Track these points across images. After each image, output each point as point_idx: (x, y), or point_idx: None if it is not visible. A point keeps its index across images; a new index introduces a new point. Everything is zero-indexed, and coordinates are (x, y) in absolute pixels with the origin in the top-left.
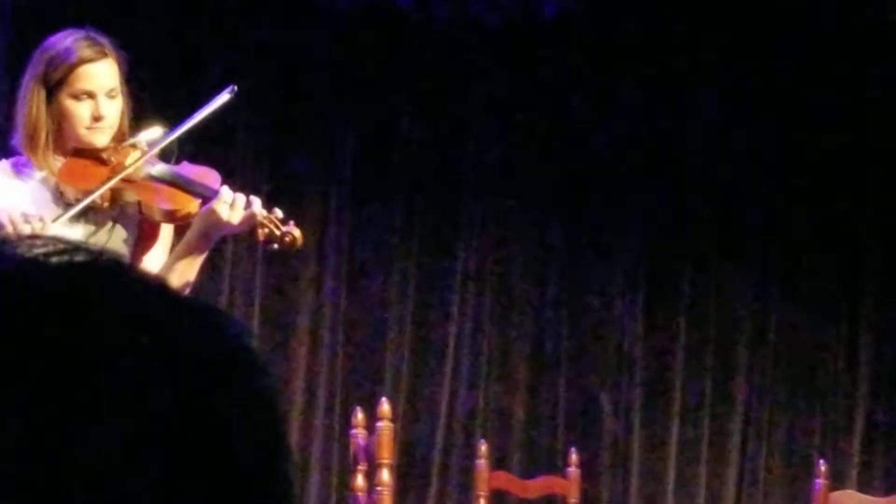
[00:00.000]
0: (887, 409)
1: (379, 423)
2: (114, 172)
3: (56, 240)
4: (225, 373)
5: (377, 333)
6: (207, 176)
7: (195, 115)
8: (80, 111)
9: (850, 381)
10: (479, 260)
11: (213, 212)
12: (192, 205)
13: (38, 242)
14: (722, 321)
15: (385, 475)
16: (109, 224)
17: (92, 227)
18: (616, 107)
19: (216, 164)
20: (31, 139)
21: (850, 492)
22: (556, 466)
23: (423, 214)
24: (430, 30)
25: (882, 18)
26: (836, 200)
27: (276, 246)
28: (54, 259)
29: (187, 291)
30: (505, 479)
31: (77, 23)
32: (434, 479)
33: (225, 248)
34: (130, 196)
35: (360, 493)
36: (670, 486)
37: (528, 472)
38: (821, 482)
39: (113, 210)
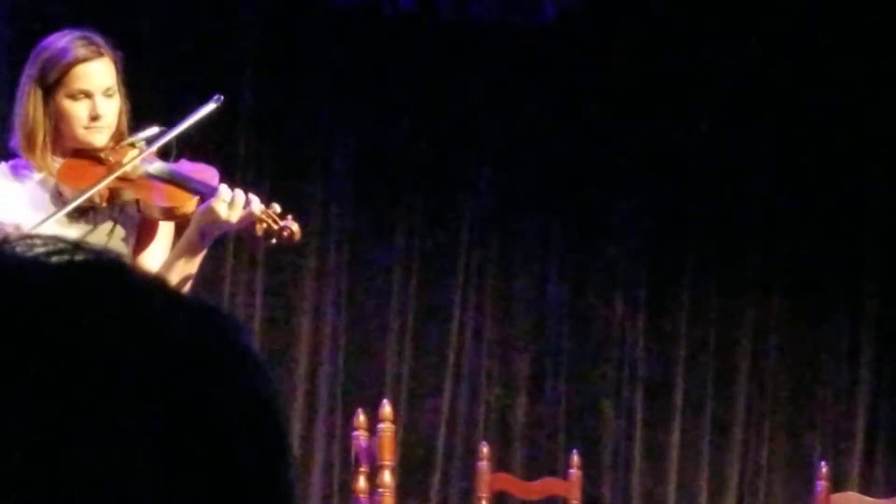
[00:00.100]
0: (889, 411)
1: (380, 425)
2: (111, 172)
3: (56, 239)
4: (226, 373)
5: (379, 335)
6: (205, 173)
7: (180, 124)
8: (78, 111)
9: (851, 382)
10: (480, 261)
11: (211, 210)
12: (190, 202)
13: (38, 242)
14: (723, 323)
15: (386, 477)
16: (109, 223)
17: (91, 227)
18: (616, 107)
19: (216, 164)
20: (29, 140)
21: (851, 494)
22: (557, 468)
23: (424, 216)
24: (431, 30)
25: (883, 18)
26: (838, 201)
27: (274, 241)
28: (54, 258)
29: (188, 287)
30: (506, 481)
31: (76, 24)
32: (435, 481)
33: (226, 250)
34: (128, 194)
35: (361, 495)
36: (671, 488)
37: (530, 474)
38: (822, 484)
39: (112, 210)
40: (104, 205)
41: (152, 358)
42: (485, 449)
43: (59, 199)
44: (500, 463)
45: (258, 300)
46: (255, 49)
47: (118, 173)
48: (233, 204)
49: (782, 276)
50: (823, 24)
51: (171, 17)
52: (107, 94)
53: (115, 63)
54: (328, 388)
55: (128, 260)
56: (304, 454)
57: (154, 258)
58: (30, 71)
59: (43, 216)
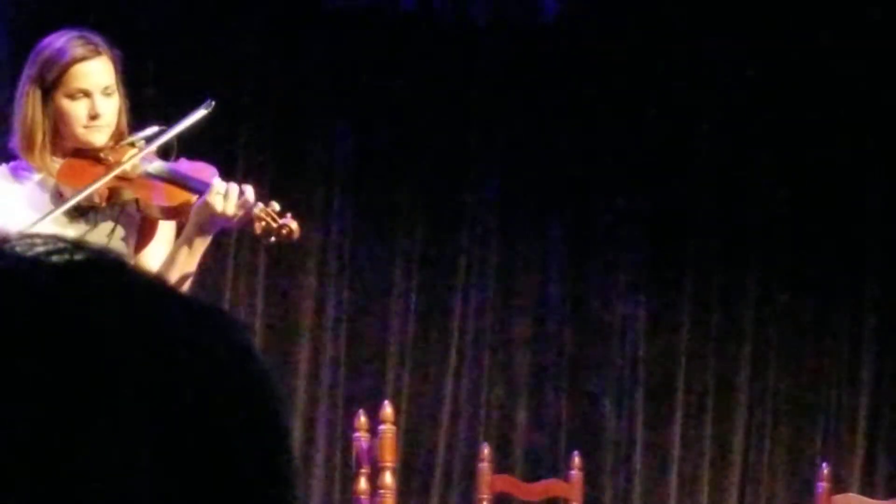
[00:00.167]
0: (890, 413)
1: (381, 427)
2: (111, 171)
3: (56, 238)
4: (226, 373)
5: (380, 336)
6: (204, 171)
7: (172, 128)
8: (77, 110)
9: (852, 383)
10: (481, 262)
11: (206, 204)
12: (189, 200)
13: (39, 241)
14: (724, 324)
15: (387, 478)
16: (110, 223)
17: (92, 227)
18: (617, 108)
19: (216, 165)
20: (28, 140)
21: (852, 495)
22: (558, 470)
23: (425, 217)
24: (431, 30)
25: (883, 17)
26: (839, 201)
27: (273, 239)
28: (54, 258)
29: (189, 283)
30: (507, 483)
31: (75, 25)
32: (436, 483)
33: (227, 251)
34: (128, 194)
35: (362, 497)
36: (673, 490)
37: (531, 476)
38: (823, 485)
39: (113, 210)
40: (104, 204)
41: (153, 358)
42: (486, 450)
43: (59, 199)
44: (501, 464)
45: (259, 301)
46: (254, 49)
47: (116, 172)
48: (227, 196)
49: (783, 278)
50: (824, 23)
51: (171, 17)
52: (105, 92)
53: (114, 62)
54: (329, 389)
55: (128, 259)
56: (304, 455)
57: (155, 257)
58: (28, 71)
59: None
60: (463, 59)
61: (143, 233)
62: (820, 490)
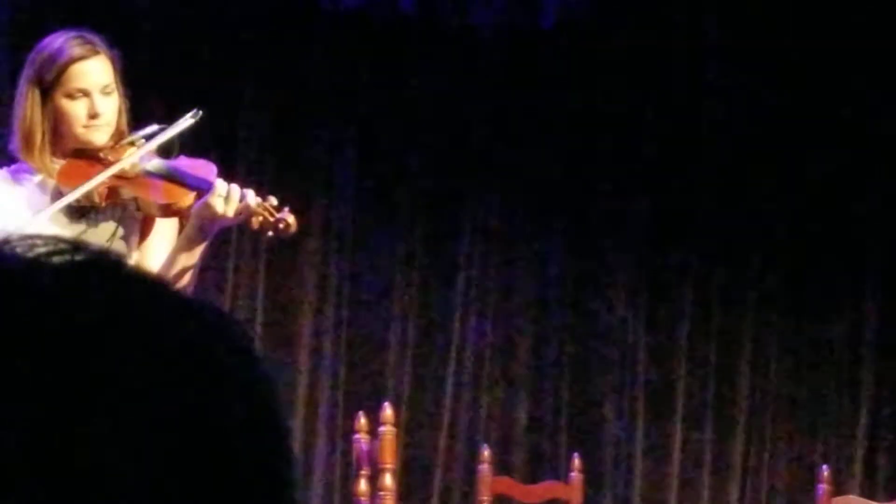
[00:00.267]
0: (890, 415)
1: (381, 428)
2: (109, 170)
3: (56, 239)
4: (227, 374)
5: (380, 338)
6: (203, 168)
7: (160, 135)
8: (76, 110)
9: (852, 386)
10: (481, 264)
11: (208, 206)
12: (188, 198)
13: (39, 242)
14: (724, 325)
15: (388, 480)
16: (111, 223)
17: (93, 227)
18: (618, 112)
19: (216, 165)
20: (27, 141)
21: (852, 497)
22: (558, 472)
23: (426, 219)
24: (431, 34)
25: (885, 25)
26: (840, 202)
27: (270, 233)
28: (55, 258)
29: (190, 278)
30: (507, 485)
31: (75, 25)
32: (436, 484)
33: (227, 253)
34: (127, 192)
35: (362, 498)
36: (673, 492)
37: (531, 478)
38: (823, 488)
39: (114, 210)
40: (104, 204)
41: (152, 358)
42: (486, 452)
43: (59, 200)
44: (502, 466)
45: (259, 302)
46: (255, 52)
47: (115, 170)
48: (229, 198)
49: (784, 280)
50: (824, 23)
51: (171, 18)
52: (104, 91)
53: (112, 61)
54: (329, 391)
55: (128, 260)
56: (304, 457)
57: (157, 255)
58: (27, 73)
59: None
60: (463, 62)
61: (145, 232)
62: (820, 492)
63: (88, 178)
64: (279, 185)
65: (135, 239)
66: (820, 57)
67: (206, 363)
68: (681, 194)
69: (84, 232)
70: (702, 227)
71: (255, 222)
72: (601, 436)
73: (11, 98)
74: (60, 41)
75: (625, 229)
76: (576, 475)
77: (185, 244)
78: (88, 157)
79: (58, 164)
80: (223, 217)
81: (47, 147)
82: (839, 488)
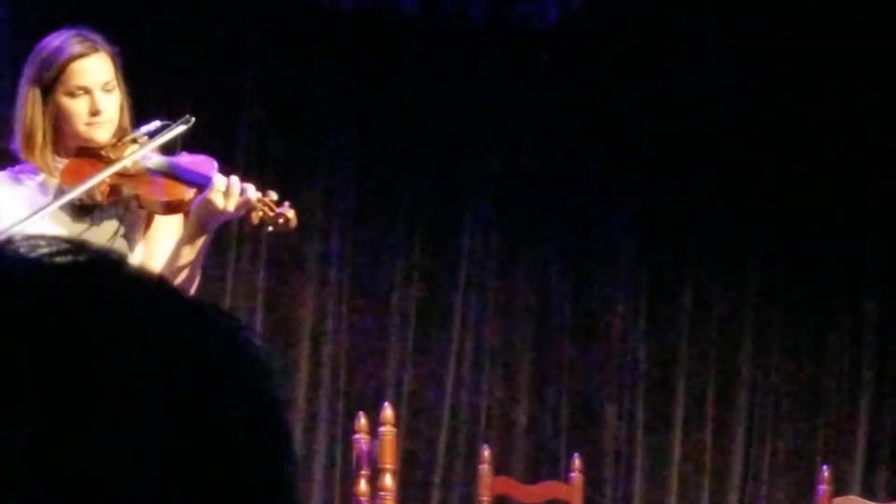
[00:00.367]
0: (891, 415)
1: (382, 429)
2: (111, 167)
3: (59, 239)
4: (229, 374)
5: (380, 339)
6: (203, 164)
7: (161, 135)
8: (78, 107)
9: (853, 386)
10: (481, 265)
11: (208, 201)
12: (189, 194)
13: (42, 242)
14: (724, 326)
15: (388, 480)
16: (114, 221)
17: (95, 225)
18: (619, 112)
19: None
20: (28, 141)
21: (853, 497)
22: (558, 472)
23: (426, 219)
24: (433, 33)
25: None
26: (840, 203)
27: (270, 228)
28: (57, 259)
29: (195, 278)
30: (508, 485)
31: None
32: (436, 485)
33: (228, 252)
34: (128, 190)
35: (362, 499)
36: (673, 492)
37: (531, 478)
38: (824, 488)
39: (117, 208)
40: (106, 201)
41: (154, 358)
42: (486, 452)
43: (63, 197)
44: (502, 466)
45: (259, 303)
46: (255, 52)
47: (116, 168)
48: (228, 193)
49: (784, 281)
50: (825, 28)
51: (173, 20)
52: (105, 88)
53: (113, 58)
54: (329, 391)
55: (131, 260)
56: (305, 457)
57: (161, 252)
58: (28, 72)
59: (45, 217)
60: (463, 62)
61: (147, 228)
62: (821, 492)
63: (91, 176)
64: (279, 185)
65: (138, 236)
66: (820, 57)
67: (208, 363)
68: (681, 194)
69: (87, 230)
70: (702, 227)
71: (256, 217)
72: (601, 436)
73: (14, 98)
74: (60, 40)
75: (625, 230)
76: (576, 475)
77: (186, 239)
78: (91, 155)
79: (60, 163)
80: (223, 212)
81: (49, 146)
82: (840, 489)
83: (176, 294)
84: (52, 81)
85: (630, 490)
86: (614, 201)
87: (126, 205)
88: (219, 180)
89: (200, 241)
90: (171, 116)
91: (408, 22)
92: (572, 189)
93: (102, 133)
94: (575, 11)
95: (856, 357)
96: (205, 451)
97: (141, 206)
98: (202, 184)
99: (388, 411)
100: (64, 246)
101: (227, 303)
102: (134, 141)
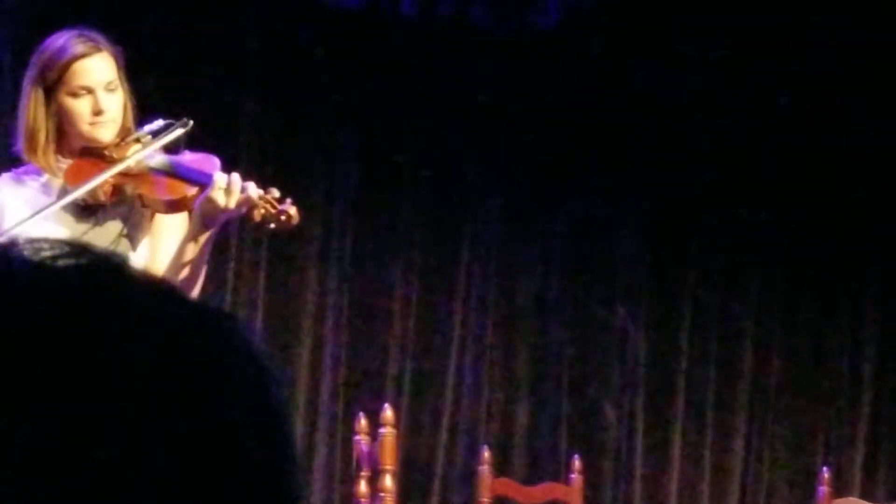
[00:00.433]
0: (891, 417)
1: (382, 430)
2: (114, 167)
3: (62, 242)
4: (231, 376)
5: (380, 340)
6: (205, 163)
7: (164, 135)
8: (81, 107)
9: (853, 388)
10: (481, 266)
11: (209, 200)
12: (192, 193)
13: (45, 245)
14: (725, 328)
15: (388, 481)
16: (118, 221)
17: (99, 225)
18: (620, 113)
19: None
20: (31, 141)
21: (853, 499)
22: (559, 473)
23: (426, 220)
24: (432, 35)
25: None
26: (841, 205)
27: (272, 225)
28: (60, 261)
29: (201, 276)
30: (507, 486)
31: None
32: (437, 486)
33: (227, 254)
34: (131, 189)
35: (362, 500)
36: (673, 493)
37: (531, 479)
38: (824, 489)
39: (121, 208)
40: (109, 201)
41: (155, 360)
42: (486, 453)
43: (65, 197)
44: (502, 467)
45: (260, 305)
46: (254, 53)
47: (120, 168)
48: (230, 191)
49: (784, 282)
50: (825, 31)
51: (172, 19)
52: (108, 88)
53: (115, 58)
54: (330, 392)
55: (135, 259)
56: (305, 458)
57: (166, 251)
58: (30, 74)
59: (49, 218)
60: (464, 63)
61: (150, 228)
62: (821, 494)
63: (95, 176)
64: (279, 185)
65: (142, 236)
66: (820, 58)
67: (209, 365)
68: (681, 195)
69: (90, 230)
70: (702, 228)
71: (258, 215)
72: (601, 437)
73: (15, 102)
74: (62, 40)
75: (625, 230)
76: (576, 477)
77: (190, 237)
78: (94, 155)
79: (64, 163)
80: (225, 210)
81: (52, 147)
82: (839, 490)
83: (177, 296)
84: (54, 82)
85: (630, 491)
86: (615, 202)
87: (130, 204)
88: (220, 178)
89: (204, 239)
90: (172, 116)
91: (408, 23)
92: (573, 190)
93: (106, 133)
94: (576, 13)
95: (856, 358)
96: (205, 453)
97: (144, 206)
98: (204, 182)
99: (388, 412)
100: (66, 249)
101: (227, 303)
102: (137, 140)
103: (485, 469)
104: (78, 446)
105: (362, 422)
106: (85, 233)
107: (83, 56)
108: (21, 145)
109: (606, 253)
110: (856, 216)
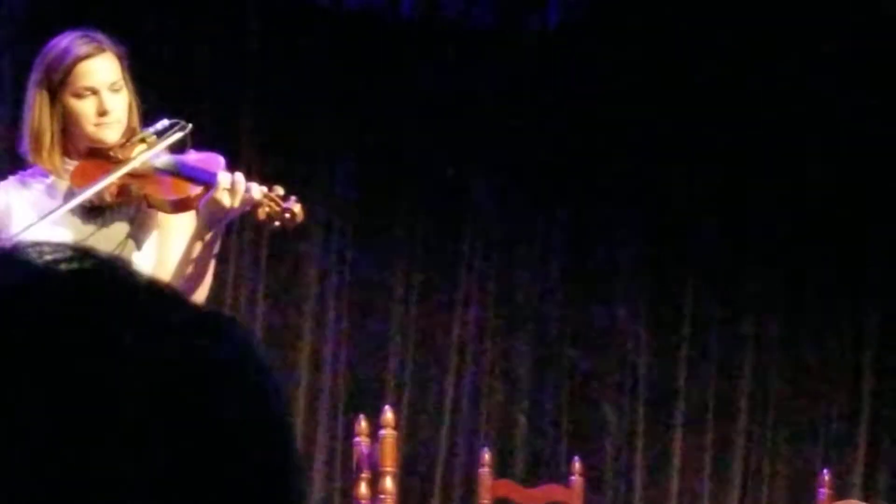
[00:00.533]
0: (891, 419)
1: (382, 432)
2: (120, 168)
3: (65, 246)
4: (233, 381)
5: (380, 341)
6: (210, 162)
7: (170, 135)
8: (85, 108)
9: (853, 390)
10: (482, 268)
11: (214, 201)
12: (196, 192)
13: (48, 248)
14: (725, 331)
15: (388, 483)
16: (124, 223)
17: (106, 226)
18: (620, 116)
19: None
20: (37, 143)
21: (853, 501)
22: (559, 475)
23: (426, 220)
24: (433, 37)
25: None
26: (842, 208)
27: (277, 223)
28: (62, 266)
29: (209, 275)
30: (508, 488)
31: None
32: (437, 488)
33: (228, 255)
34: (136, 189)
35: (363, 501)
36: (673, 495)
37: (531, 481)
38: (825, 492)
39: (128, 209)
40: (115, 202)
41: (157, 363)
42: (486, 455)
43: (71, 201)
44: (502, 469)
45: (260, 306)
46: (255, 54)
47: (128, 169)
48: (234, 191)
49: (784, 286)
50: (825, 31)
51: (173, 20)
52: (113, 88)
53: (119, 58)
54: (330, 394)
55: (142, 260)
56: (305, 460)
57: (174, 251)
58: (35, 76)
59: (55, 220)
60: (464, 63)
61: (157, 228)
62: (821, 497)
63: (101, 177)
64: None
65: (149, 237)
66: (820, 59)
67: (210, 367)
68: (682, 197)
69: (97, 232)
70: (703, 231)
71: (262, 213)
72: (602, 439)
73: (21, 102)
74: (66, 42)
75: (626, 231)
76: (576, 478)
77: (197, 236)
78: (100, 156)
79: (70, 165)
80: (230, 209)
81: (58, 148)
82: (840, 492)
83: (179, 300)
84: (59, 83)
85: (630, 493)
86: (615, 204)
87: (135, 205)
88: (224, 178)
89: (209, 237)
90: (172, 117)
91: (409, 24)
92: (573, 192)
93: (111, 133)
94: (577, 12)
95: (856, 361)
96: (205, 455)
97: (150, 206)
98: (209, 181)
99: (388, 414)
100: (69, 253)
101: (227, 306)
102: (142, 140)
103: (485, 470)
104: (78, 447)
105: (362, 423)
106: (91, 234)
107: (87, 57)
108: (26, 147)
109: (606, 253)
110: (856, 216)
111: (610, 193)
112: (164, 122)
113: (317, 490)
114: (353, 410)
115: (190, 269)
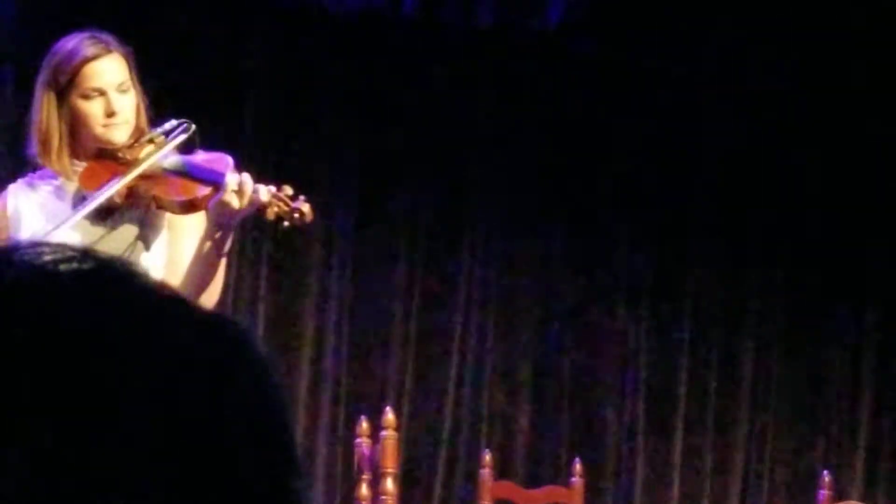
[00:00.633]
0: (891, 421)
1: (383, 433)
2: (131, 170)
3: (64, 247)
4: (234, 383)
5: (381, 343)
6: (219, 162)
7: (177, 136)
8: (93, 109)
9: (854, 392)
10: (483, 269)
11: (223, 204)
12: (204, 193)
13: (47, 250)
14: (726, 333)
15: (389, 484)
16: (133, 224)
17: (115, 229)
18: (621, 115)
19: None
20: (45, 145)
21: (854, 503)
22: (560, 476)
23: (428, 223)
24: (434, 36)
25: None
26: (843, 210)
27: (286, 223)
28: (62, 266)
29: (212, 269)
30: (509, 489)
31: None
32: (438, 489)
33: (228, 258)
34: (145, 191)
35: (364, 503)
36: (674, 497)
37: (532, 482)
38: (825, 494)
39: (137, 210)
40: (124, 203)
41: (158, 368)
42: (487, 456)
43: (81, 202)
44: (503, 471)
45: (261, 307)
46: (258, 53)
47: (138, 171)
48: (241, 191)
49: (785, 287)
50: (828, 30)
51: (175, 21)
52: (120, 89)
53: (126, 59)
54: (331, 396)
55: (152, 261)
56: (306, 461)
57: (185, 252)
58: (42, 77)
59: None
60: (466, 63)
61: (167, 229)
62: (821, 497)
63: (110, 179)
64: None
65: (157, 238)
66: (819, 59)
67: (211, 371)
68: (682, 198)
69: (107, 234)
70: (704, 232)
71: (271, 213)
72: (602, 440)
73: (28, 105)
74: (73, 43)
75: (627, 234)
76: (577, 480)
77: (208, 241)
78: (109, 157)
79: (78, 166)
80: (239, 210)
81: (66, 150)
82: (840, 494)
83: (181, 302)
84: (66, 85)
85: (631, 494)
86: (616, 206)
87: (144, 206)
88: (231, 180)
89: (219, 237)
90: (182, 116)
91: (410, 24)
92: (574, 194)
93: (119, 134)
94: (577, 14)
95: (856, 363)
96: (207, 457)
97: (159, 207)
98: (217, 182)
99: (389, 415)
100: (69, 253)
101: (228, 307)
102: (151, 141)
103: (486, 472)
104: (78, 448)
105: (363, 424)
106: (101, 236)
107: (94, 58)
108: (34, 149)
109: (607, 254)
110: (856, 216)
111: (610, 193)
112: (172, 122)
113: (318, 491)
114: (354, 412)
115: (201, 270)
